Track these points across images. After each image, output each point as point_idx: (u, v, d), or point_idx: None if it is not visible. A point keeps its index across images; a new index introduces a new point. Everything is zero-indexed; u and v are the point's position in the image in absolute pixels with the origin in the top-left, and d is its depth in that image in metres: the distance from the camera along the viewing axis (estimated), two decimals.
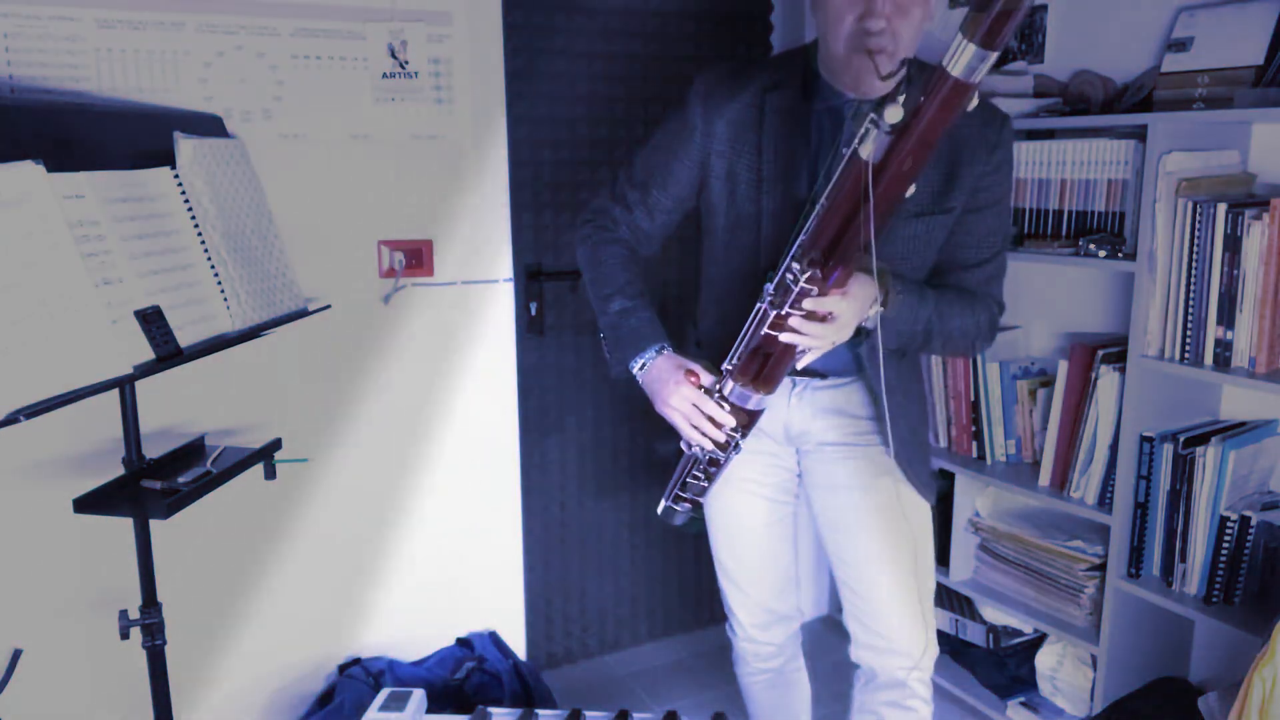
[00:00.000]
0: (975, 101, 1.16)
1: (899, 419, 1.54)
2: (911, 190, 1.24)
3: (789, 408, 1.57)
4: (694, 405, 1.41)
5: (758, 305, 1.35)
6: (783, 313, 1.31)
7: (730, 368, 1.40)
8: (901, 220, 1.43)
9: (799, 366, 1.39)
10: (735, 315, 1.39)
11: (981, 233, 1.49)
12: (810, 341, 1.33)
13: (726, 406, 1.40)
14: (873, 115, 1.19)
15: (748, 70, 1.50)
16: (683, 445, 1.49)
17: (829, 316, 1.31)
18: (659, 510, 1.56)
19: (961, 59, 1.10)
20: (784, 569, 1.72)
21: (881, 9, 1.30)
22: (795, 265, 1.29)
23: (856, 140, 1.21)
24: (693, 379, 1.43)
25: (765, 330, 1.34)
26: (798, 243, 1.30)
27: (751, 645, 1.76)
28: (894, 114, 1.16)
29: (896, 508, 1.57)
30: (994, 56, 1.10)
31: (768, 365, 1.37)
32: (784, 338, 1.33)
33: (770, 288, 1.33)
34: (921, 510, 1.60)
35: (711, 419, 1.41)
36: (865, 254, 1.25)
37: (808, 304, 1.30)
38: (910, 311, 1.41)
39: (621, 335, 1.51)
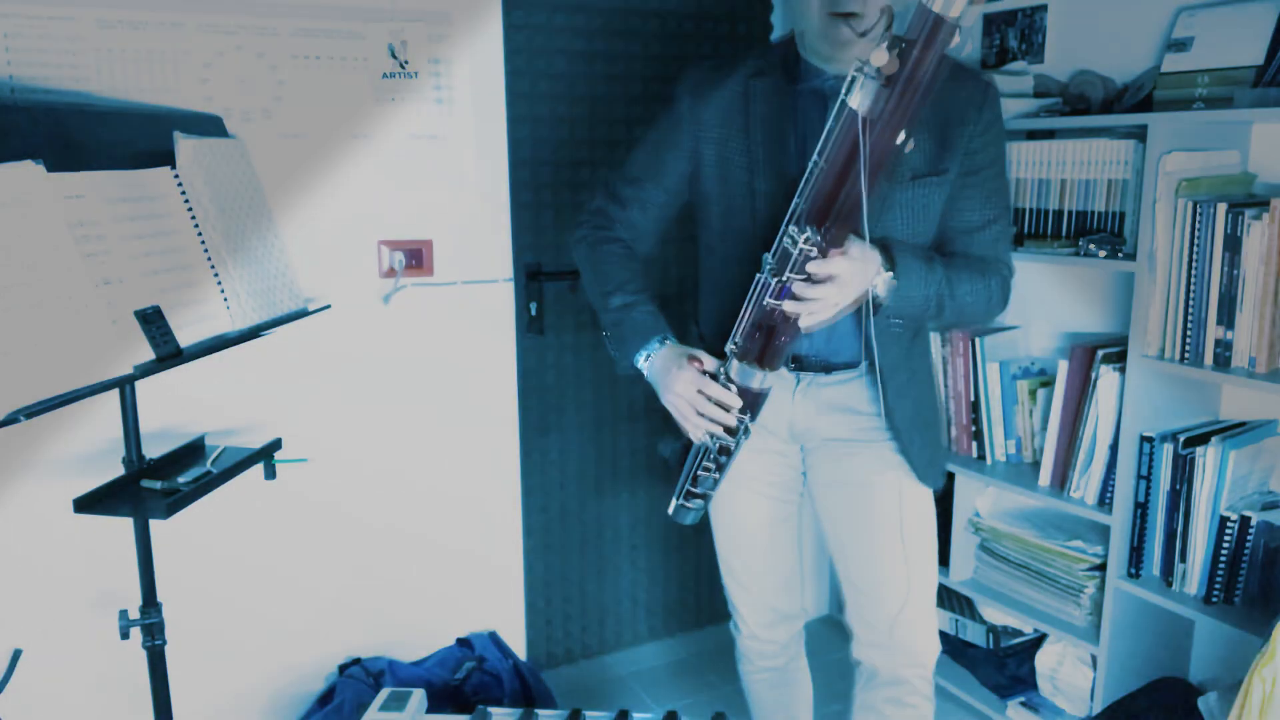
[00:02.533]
0: (957, 39, 1.16)
1: (903, 400, 1.53)
2: (903, 138, 1.22)
3: (793, 404, 1.57)
4: (699, 391, 1.41)
5: (757, 277, 1.34)
6: (783, 279, 1.31)
7: (733, 347, 1.40)
8: (898, 186, 1.43)
9: (804, 326, 1.37)
10: (737, 306, 1.39)
11: (981, 195, 1.48)
12: (813, 308, 1.32)
13: (733, 388, 1.40)
14: (859, 63, 1.18)
15: (732, 60, 1.52)
16: (691, 437, 1.49)
17: (830, 279, 1.30)
18: (670, 510, 1.55)
19: None
20: (789, 567, 1.72)
21: None
22: (793, 228, 1.29)
23: (844, 91, 1.20)
24: (696, 364, 1.43)
25: (767, 300, 1.33)
26: (794, 206, 1.30)
27: (755, 644, 1.76)
28: (879, 57, 1.16)
29: (900, 504, 1.56)
30: None
31: (771, 339, 1.37)
32: (787, 305, 1.32)
33: (769, 257, 1.32)
34: (925, 505, 1.59)
35: (719, 403, 1.40)
36: (861, 208, 1.24)
37: (810, 267, 1.29)
38: (919, 276, 1.40)
39: (624, 331, 1.51)
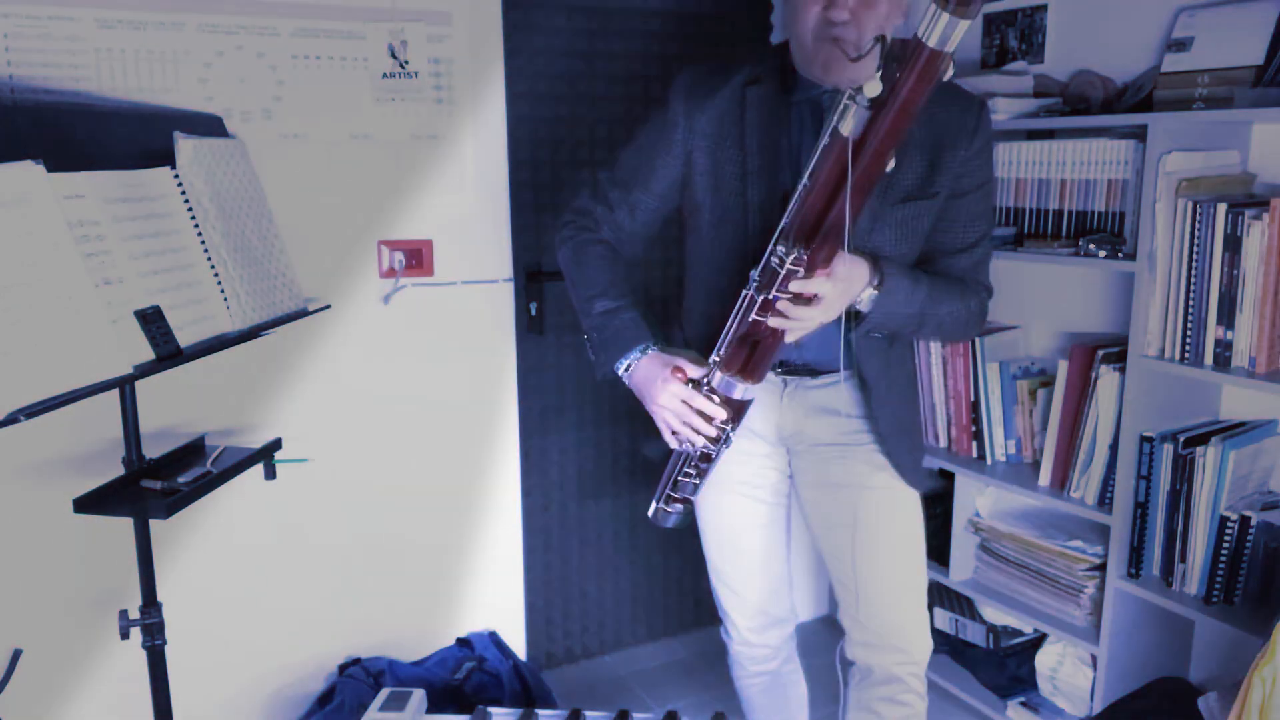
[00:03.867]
0: (951, 72, 1.17)
1: (885, 407, 1.54)
2: (891, 165, 1.24)
3: (780, 408, 1.57)
4: (683, 402, 1.41)
5: (743, 292, 1.35)
6: (769, 297, 1.32)
7: (717, 359, 1.40)
8: (888, 206, 1.43)
9: (789, 340, 1.38)
10: (724, 313, 1.39)
11: (967, 218, 1.50)
12: (797, 326, 1.33)
13: (716, 399, 1.40)
14: (851, 91, 1.20)
15: (727, 66, 1.51)
16: (673, 443, 1.49)
17: (815, 298, 1.31)
18: (650, 513, 1.56)
19: (935, 28, 1.12)
20: (778, 571, 1.72)
21: (845, 0, 1.31)
22: (780, 248, 1.30)
23: (836, 117, 1.21)
24: (680, 375, 1.42)
25: (752, 316, 1.34)
26: (781, 225, 1.30)
27: (747, 649, 1.76)
28: (873, 88, 1.17)
29: (888, 504, 1.57)
30: (966, 24, 1.11)
31: (755, 353, 1.37)
32: (771, 322, 1.33)
33: (755, 273, 1.33)
34: (913, 505, 1.60)
35: (701, 413, 1.40)
36: (849, 231, 1.26)
37: (793, 286, 1.30)
38: (904, 294, 1.41)
39: (606, 336, 1.50)
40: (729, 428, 1.42)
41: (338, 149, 2.07)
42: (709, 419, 1.40)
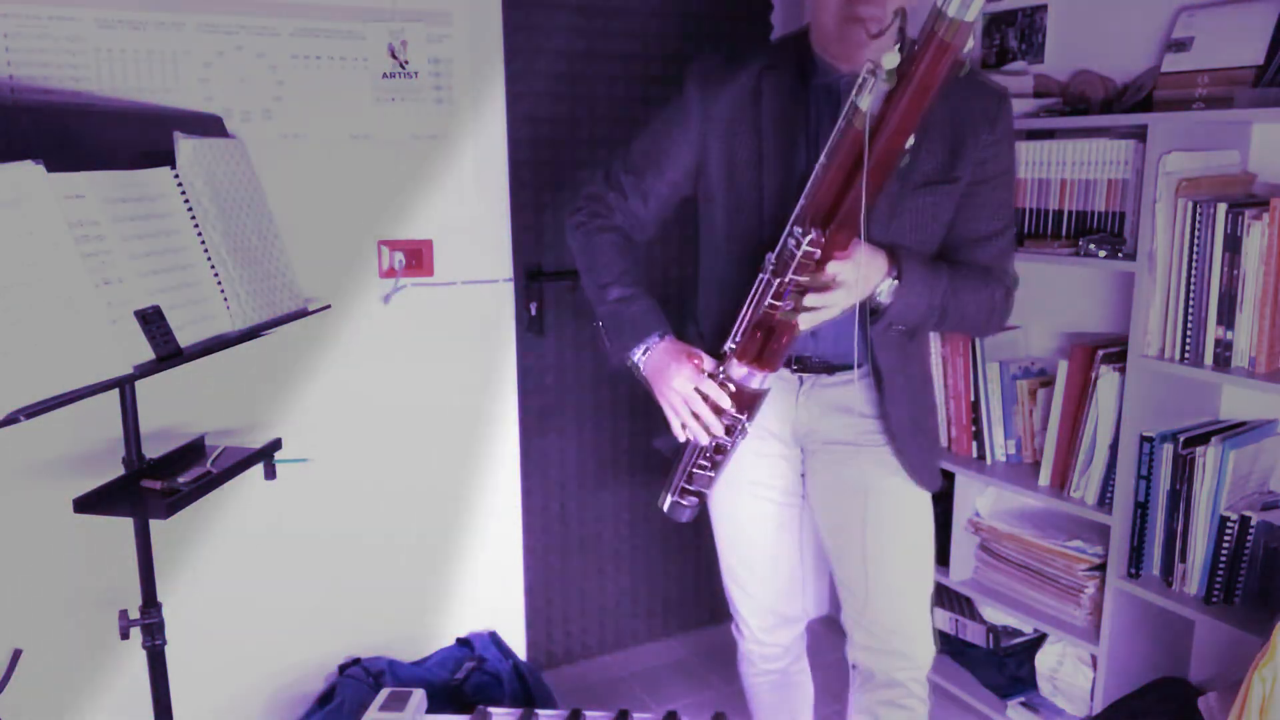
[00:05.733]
0: (971, 44, 1.16)
1: (898, 405, 1.53)
2: (911, 142, 1.22)
3: (797, 406, 1.56)
4: (695, 389, 1.39)
5: (759, 277, 1.34)
6: (785, 280, 1.30)
7: (732, 347, 1.39)
8: (909, 192, 1.42)
9: (805, 327, 1.36)
10: (739, 304, 1.38)
11: (990, 206, 1.48)
12: (815, 314, 1.32)
13: (731, 388, 1.39)
14: (870, 64, 1.18)
15: (743, 54, 1.50)
16: (680, 435, 1.47)
17: (832, 282, 1.30)
18: (665, 506, 1.54)
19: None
20: (791, 571, 1.71)
21: None
22: (796, 230, 1.28)
23: (854, 92, 1.20)
24: (694, 362, 1.41)
25: (768, 301, 1.33)
26: (799, 206, 1.29)
27: (758, 647, 1.76)
28: (891, 60, 1.16)
29: (897, 508, 1.56)
30: None
31: (771, 340, 1.36)
32: (789, 308, 1.32)
33: (771, 257, 1.32)
34: (922, 508, 1.59)
35: (714, 404, 1.39)
36: (864, 213, 1.24)
37: (813, 270, 1.28)
38: (924, 284, 1.39)
39: (621, 324, 1.49)
40: (744, 418, 1.41)
41: (338, 149, 2.07)
42: (721, 409, 1.39)
